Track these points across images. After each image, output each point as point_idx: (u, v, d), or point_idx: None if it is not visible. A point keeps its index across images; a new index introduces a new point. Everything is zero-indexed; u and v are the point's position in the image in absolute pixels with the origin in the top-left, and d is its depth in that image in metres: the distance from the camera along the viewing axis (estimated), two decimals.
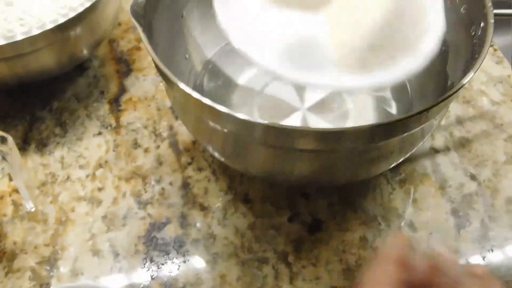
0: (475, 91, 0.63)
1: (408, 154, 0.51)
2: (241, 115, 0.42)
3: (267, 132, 0.43)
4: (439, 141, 0.59)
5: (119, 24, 0.69)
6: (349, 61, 0.46)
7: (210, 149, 0.52)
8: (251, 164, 0.50)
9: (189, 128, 0.53)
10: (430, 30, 0.47)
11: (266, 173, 0.51)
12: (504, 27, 0.75)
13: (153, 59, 0.46)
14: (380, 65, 0.46)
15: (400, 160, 0.51)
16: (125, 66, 0.66)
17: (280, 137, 0.43)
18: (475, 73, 0.44)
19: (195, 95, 0.44)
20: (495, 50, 0.67)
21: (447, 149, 0.58)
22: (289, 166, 0.47)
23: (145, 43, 0.46)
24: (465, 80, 0.44)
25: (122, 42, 0.68)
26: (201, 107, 0.44)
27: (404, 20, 0.46)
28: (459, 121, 0.61)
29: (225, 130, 0.46)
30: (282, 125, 0.41)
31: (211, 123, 0.46)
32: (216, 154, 0.52)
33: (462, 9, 0.53)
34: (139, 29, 0.47)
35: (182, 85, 0.44)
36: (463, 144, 0.59)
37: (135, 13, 0.48)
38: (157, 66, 0.46)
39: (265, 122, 0.41)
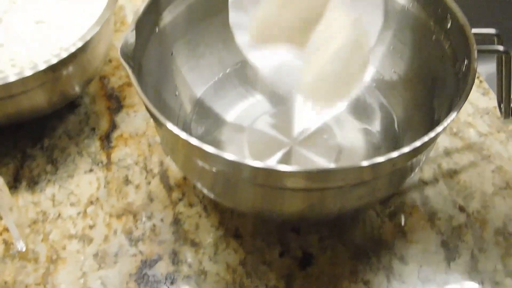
0: (462, 123, 0.64)
1: (397, 189, 0.52)
2: (229, 156, 0.43)
3: (256, 172, 0.43)
4: (427, 173, 0.60)
5: (110, 61, 0.69)
6: (316, 92, 0.52)
7: (199, 186, 0.52)
8: (241, 202, 0.50)
9: (179, 166, 0.54)
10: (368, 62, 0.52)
11: (256, 210, 0.52)
12: (490, 56, 0.76)
13: (142, 100, 0.47)
14: (339, 97, 0.52)
15: (389, 194, 0.52)
16: (116, 102, 0.66)
17: (269, 178, 0.44)
18: (458, 112, 0.45)
19: (183, 135, 0.44)
20: (480, 81, 0.68)
21: (435, 181, 0.59)
22: (279, 205, 0.48)
23: (134, 85, 0.47)
24: (448, 120, 0.45)
25: (113, 79, 0.68)
26: (189, 147, 0.45)
27: (357, 53, 0.51)
28: (447, 153, 0.61)
29: (214, 170, 0.46)
30: (271, 166, 0.42)
31: (200, 163, 0.47)
32: (206, 192, 0.52)
33: (447, 45, 0.54)
34: (129, 71, 0.48)
35: (170, 125, 0.45)
36: (451, 175, 0.60)
37: (124, 54, 0.49)
38: (146, 107, 0.47)
39: (254, 163, 0.42)
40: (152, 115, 0.47)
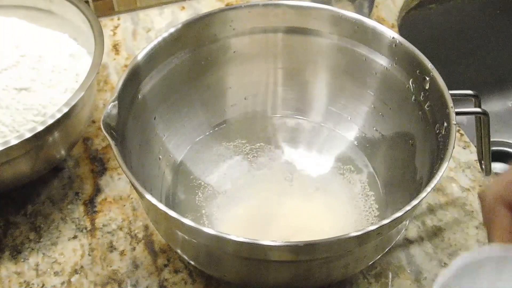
0: (445, 178, 0.64)
1: (384, 252, 0.52)
2: (210, 231, 0.43)
3: (239, 247, 0.43)
4: (412, 231, 0.60)
5: (93, 122, 0.69)
6: None
7: (183, 256, 0.52)
8: (225, 272, 0.50)
9: (162, 234, 0.54)
10: None
11: (241, 281, 0.51)
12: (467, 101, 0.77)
13: (125, 173, 0.47)
14: None
15: (376, 259, 0.52)
16: (100, 165, 0.66)
17: (252, 251, 0.44)
18: (439, 178, 0.45)
19: (162, 207, 0.44)
20: (461, 135, 0.69)
21: (420, 239, 0.59)
22: (264, 276, 0.48)
23: (117, 158, 0.47)
24: (430, 187, 0.45)
25: (96, 140, 0.68)
26: (169, 219, 0.45)
27: None
28: (431, 210, 0.62)
29: (196, 241, 0.46)
30: (254, 241, 0.42)
31: (181, 234, 0.47)
32: (190, 261, 0.52)
33: (426, 106, 0.55)
34: (112, 143, 0.48)
35: (149, 197, 0.45)
36: (435, 233, 0.60)
37: (107, 126, 0.49)
38: (127, 177, 0.47)
39: (236, 238, 0.42)
40: (134, 187, 0.47)
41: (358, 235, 0.43)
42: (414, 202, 0.45)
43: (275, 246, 0.42)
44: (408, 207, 0.44)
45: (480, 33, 0.91)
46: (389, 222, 0.44)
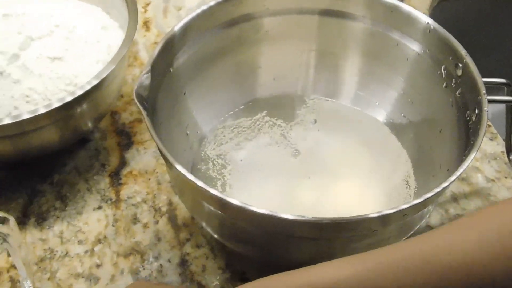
0: (470, 168, 0.64)
1: (406, 237, 0.52)
2: (236, 201, 0.43)
3: (263, 220, 0.43)
4: (434, 218, 0.60)
5: (122, 96, 0.70)
6: None
7: (207, 228, 0.52)
8: (248, 246, 0.50)
9: (187, 207, 0.54)
10: None
11: (262, 256, 0.52)
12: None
13: (156, 144, 0.47)
14: None
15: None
16: (126, 138, 0.67)
17: (277, 225, 0.44)
18: (469, 163, 0.45)
19: (190, 177, 0.45)
20: (489, 126, 0.68)
21: None
22: (286, 252, 0.48)
23: (149, 129, 0.47)
24: (460, 171, 0.45)
25: (124, 115, 0.69)
26: (196, 189, 0.45)
27: None
28: (455, 198, 0.61)
29: (220, 213, 0.47)
30: (279, 215, 0.42)
31: (207, 205, 0.47)
32: (213, 234, 0.52)
33: (457, 93, 0.54)
34: (144, 113, 0.48)
35: (179, 167, 0.45)
36: None
37: (139, 96, 0.49)
38: (159, 149, 0.47)
39: (262, 211, 0.42)
40: (163, 156, 0.47)
41: (381, 215, 0.43)
42: (437, 190, 0.44)
43: (299, 220, 0.42)
44: (430, 194, 0.44)
45: (510, 22, 0.89)
46: (409, 207, 0.43)
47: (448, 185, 0.45)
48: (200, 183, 0.44)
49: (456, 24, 0.88)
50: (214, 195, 0.44)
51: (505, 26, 0.90)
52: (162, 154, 0.47)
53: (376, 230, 0.46)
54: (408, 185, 0.59)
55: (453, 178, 0.45)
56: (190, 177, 0.45)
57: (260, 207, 0.42)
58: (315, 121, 0.65)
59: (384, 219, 0.44)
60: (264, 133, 0.64)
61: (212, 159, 0.61)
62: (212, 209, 0.47)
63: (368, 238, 0.47)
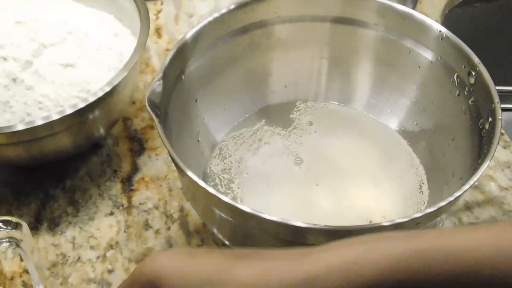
0: (483, 176, 0.64)
1: None
2: (247, 209, 0.43)
3: (275, 227, 0.43)
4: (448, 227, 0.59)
5: (134, 102, 0.70)
6: None
7: (219, 235, 0.52)
8: None
9: (199, 213, 0.54)
10: None
11: None
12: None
13: (168, 150, 0.47)
14: None
15: None
16: (138, 145, 0.67)
17: (289, 233, 0.44)
18: (483, 172, 0.45)
19: (202, 184, 0.45)
20: (502, 134, 0.68)
21: None
22: None
23: (161, 135, 0.48)
24: (474, 179, 0.45)
25: (136, 121, 0.69)
26: (208, 196, 0.45)
27: None
28: (468, 207, 0.61)
29: (232, 220, 0.47)
30: (291, 222, 0.42)
31: (219, 213, 0.47)
32: (226, 241, 0.52)
33: (470, 101, 0.54)
34: (156, 121, 0.49)
35: (190, 174, 0.45)
36: None
37: (151, 103, 0.50)
38: (170, 155, 0.47)
39: (274, 218, 0.42)
40: (175, 163, 0.47)
41: (392, 225, 0.43)
42: (450, 199, 0.44)
43: (312, 228, 0.42)
44: (443, 203, 0.44)
45: None
46: (422, 216, 0.43)
47: (461, 194, 0.45)
48: (211, 190, 0.44)
49: (469, 30, 0.88)
50: (226, 202, 0.44)
51: None
52: (173, 161, 0.47)
53: None
54: (421, 191, 0.59)
55: (466, 187, 0.45)
56: (202, 184, 0.45)
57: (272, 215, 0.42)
58: (330, 127, 0.64)
59: (397, 228, 0.44)
60: (276, 140, 0.63)
61: (218, 174, 0.61)
62: (224, 216, 0.47)
63: None
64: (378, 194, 0.59)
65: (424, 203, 0.58)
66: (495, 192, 0.63)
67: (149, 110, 0.49)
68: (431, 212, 0.43)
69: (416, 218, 0.43)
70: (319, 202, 0.58)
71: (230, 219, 0.47)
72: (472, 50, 0.55)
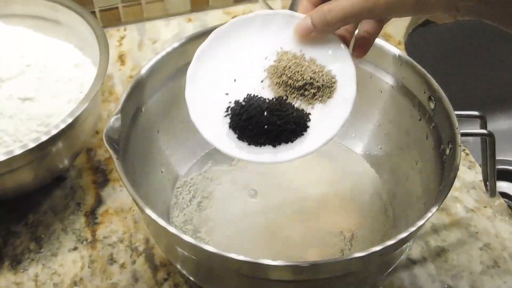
0: (449, 198, 0.64)
1: (387, 272, 0.51)
2: (210, 248, 0.42)
3: (239, 265, 0.43)
4: (415, 251, 0.59)
5: (97, 132, 0.69)
6: None
7: (184, 272, 0.51)
8: None
9: (162, 250, 0.53)
10: None
11: None
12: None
13: (125, 186, 0.47)
14: None
15: (379, 279, 0.51)
16: (102, 176, 0.66)
17: (253, 270, 0.43)
18: (442, 202, 0.45)
19: (162, 223, 0.44)
20: (466, 154, 0.68)
21: (423, 259, 0.59)
22: None
23: (118, 172, 0.47)
24: (435, 208, 0.45)
25: (99, 151, 0.68)
26: (169, 235, 0.44)
27: None
28: (435, 230, 0.61)
29: (196, 258, 0.46)
30: (255, 260, 0.41)
31: (182, 251, 0.46)
32: (190, 277, 0.52)
33: (431, 126, 0.54)
34: (114, 157, 0.48)
35: (149, 212, 0.45)
36: (439, 254, 0.59)
37: (109, 139, 0.49)
38: (128, 191, 0.47)
39: (237, 256, 0.41)
40: (135, 201, 0.46)
41: (362, 256, 0.42)
42: (420, 223, 0.44)
43: (276, 265, 0.42)
44: (413, 228, 0.44)
45: (488, 51, 0.90)
46: (394, 243, 0.43)
47: (423, 223, 0.45)
48: (171, 229, 0.44)
49: (431, 50, 0.89)
50: (187, 241, 0.43)
51: (481, 54, 0.90)
52: (133, 198, 0.46)
53: (355, 270, 0.45)
54: (387, 215, 0.59)
55: (431, 211, 0.45)
56: (161, 222, 0.44)
57: (236, 252, 0.42)
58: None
59: (363, 260, 0.43)
60: (240, 170, 0.63)
61: (180, 227, 0.59)
62: (186, 253, 0.46)
63: (347, 277, 0.46)
64: (344, 214, 0.59)
65: (390, 226, 0.58)
66: (461, 213, 0.63)
67: (107, 146, 0.48)
68: (391, 244, 0.43)
69: (376, 251, 0.43)
70: (285, 229, 0.57)
71: (193, 257, 0.46)
72: (435, 71, 0.55)
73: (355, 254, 0.42)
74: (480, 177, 0.65)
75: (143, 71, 0.55)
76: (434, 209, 0.45)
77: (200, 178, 0.62)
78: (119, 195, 0.64)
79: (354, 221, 0.59)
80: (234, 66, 0.48)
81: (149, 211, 0.44)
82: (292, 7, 0.65)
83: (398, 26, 0.83)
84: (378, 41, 0.58)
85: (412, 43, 0.83)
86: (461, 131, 0.51)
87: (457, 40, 0.88)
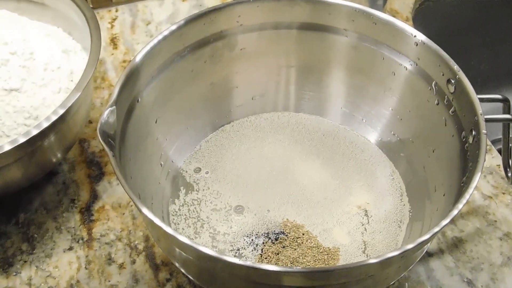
0: None
1: (404, 273, 0.48)
2: (208, 251, 0.39)
3: (245, 270, 0.39)
4: (432, 243, 0.56)
5: (90, 122, 0.65)
6: None
7: (185, 273, 0.48)
8: None
9: (162, 249, 0.50)
10: None
11: None
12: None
13: (121, 184, 0.43)
14: None
15: (396, 279, 0.48)
16: (97, 169, 0.62)
17: (259, 276, 0.40)
18: (468, 198, 0.42)
19: (159, 223, 0.41)
20: None
21: (440, 252, 0.55)
22: None
23: (114, 169, 0.43)
24: (461, 204, 0.41)
25: (93, 142, 0.64)
26: (166, 236, 0.41)
27: None
28: (451, 220, 0.58)
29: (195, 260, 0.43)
30: (259, 266, 0.38)
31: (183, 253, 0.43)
32: (192, 278, 0.48)
33: (450, 111, 0.51)
34: (109, 154, 0.44)
35: (146, 211, 0.41)
36: (456, 245, 0.56)
37: (104, 134, 0.45)
38: (125, 190, 0.43)
39: (239, 261, 0.38)
40: (132, 200, 0.43)
41: (381, 261, 0.39)
42: (444, 222, 0.41)
43: (282, 271, 0.38)
44: (437, 228, 0.40)
45: (504, 27, 0.86)
46: (414, 246, 0.40)
47: (452, 217, 0.41)
48: (168, 230, 0.40)
49: (439, 25, 0.85)
50: (184, 242, 0.39)
51: (489, 28, 0.86)
52: (130, 197, 0.43)
53: (374, 274, 0.42)
54: (403, 203, 0.56)
55: (453, 213, 0.42)
56: (158, 222, 0.40)
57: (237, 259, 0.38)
58: (301, 139, 0.60)
59: (382, 264, 0.40)
60: (243, 159, 0.59)
61: (188, 189, 0.56)
62: (184, 254, 0.43)
63: (364, 281, 0.43)
64: (358, 195, 0.56)
65: (407, 216, 0.55)
66: (479, 201, 0.59)
67: (102, 142, 0.44)
68: (418, 244, 0.40)
69: (405, 251, 0.39)
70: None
71: (190, 258, 0.43)
72: (443, 46, 0.51)
73: (373, 260, 0.39)
74: (497, 161, 0.62)
75: (138, 58, 0.50)
76: (460, 206, 0.41)
77: (190, 198, 0.57)
78: (115, 189, 0.60)
79: (369, 200, 0.56)
80: None
81: (145, 211, 0.41)
82: None
83: (405, 1, 0.79)
84: (391, 19, 0.54)
85: (419, 18, 0.78)
86: (485, 116, 0.47)
87: (469, 15, 0.83)
